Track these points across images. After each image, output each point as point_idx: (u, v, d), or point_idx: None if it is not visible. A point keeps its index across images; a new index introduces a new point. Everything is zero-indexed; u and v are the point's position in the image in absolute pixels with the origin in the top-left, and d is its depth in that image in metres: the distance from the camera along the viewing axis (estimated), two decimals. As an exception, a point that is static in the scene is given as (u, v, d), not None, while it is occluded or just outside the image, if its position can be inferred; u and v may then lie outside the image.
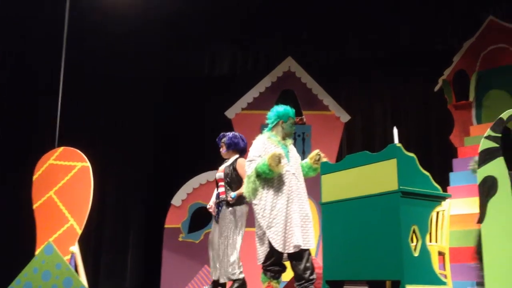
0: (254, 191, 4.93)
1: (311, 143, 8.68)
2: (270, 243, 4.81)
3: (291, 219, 4.84)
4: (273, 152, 4.83)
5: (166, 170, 9.67)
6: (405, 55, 8.99)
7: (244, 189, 5.01)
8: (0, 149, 7.77)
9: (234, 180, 5.61)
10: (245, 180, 5.03)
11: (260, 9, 8.77)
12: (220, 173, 5.76)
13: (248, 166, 4.99)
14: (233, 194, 5.49)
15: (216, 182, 5.84)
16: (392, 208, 3.63)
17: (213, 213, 5.79)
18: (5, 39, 7.85)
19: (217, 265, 5.60)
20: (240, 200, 5.50)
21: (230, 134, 5.91)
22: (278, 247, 4.77)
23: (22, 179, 6.88)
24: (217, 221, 5.70)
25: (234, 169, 5.64)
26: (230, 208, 5.54)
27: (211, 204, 5.87)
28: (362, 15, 8.92)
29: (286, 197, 4.90)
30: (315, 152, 5.16)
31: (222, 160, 5.98)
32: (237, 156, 5.79)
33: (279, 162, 4.79)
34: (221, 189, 5.70)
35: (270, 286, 4.89)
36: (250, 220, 5.45)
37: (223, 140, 5.87)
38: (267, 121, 5.20)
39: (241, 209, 5.56)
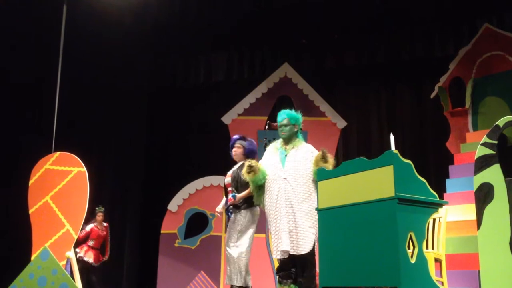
0: (257, 197, 5.22)
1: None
2: None
3: (279, 225, 4.89)
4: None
5: (162, 175, 9.67)
6: (401, 62, 9.01)
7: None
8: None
9: (242, 183, 5.46)
10: None
11: (257, 14, 8.79)
12: (228, 177, 5.72)
13: None
14: (232, 194, 5.45)
15: (225, 188, 5.80)
16: (388, 215, 3.62)
17: (219, 215, 5.86)
18: (1, 42, 7.84)
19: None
20: (248, 203, 5.45)
21: (251, 143, 5.81)
22: (272, 252, 4.84)
23: (18, 184, 6.86)
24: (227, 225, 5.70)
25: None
26: (239, 212, 5.46)
27: (219, 209, 5.83)
28: (359, 21, 8.96)
29: (274, 203, 4.97)
30: (319, 153, 5.01)
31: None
32: (244, 160, 5.66)
33: (250, 171, 5.06)
34: (231, 195, 5.63)
35: None
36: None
37: (241, 142, 5.76)
38: None
39: (248, 212, 5.47)
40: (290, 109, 5.38)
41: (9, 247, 7.46)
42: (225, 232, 5.85)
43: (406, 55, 8.89)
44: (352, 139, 9.37)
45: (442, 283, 4.94)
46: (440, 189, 6.72)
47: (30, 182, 6.39)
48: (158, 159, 9.85)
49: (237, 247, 5.33)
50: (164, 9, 8.44)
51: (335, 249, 4.01)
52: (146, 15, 8.50)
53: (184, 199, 8.84)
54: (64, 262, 5.74)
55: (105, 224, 8.26)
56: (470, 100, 7.74)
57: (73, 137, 7.96)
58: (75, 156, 6.33)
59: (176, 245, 8.69)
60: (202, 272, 8.52)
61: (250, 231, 5.44)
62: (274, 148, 5.24)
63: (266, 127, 8.12)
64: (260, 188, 5.15)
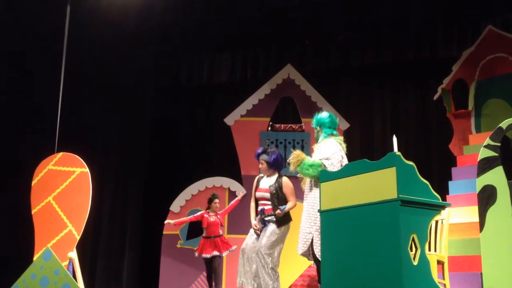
0: None
1: (310, 150, 8.67)
2: None
3: None
4: None
5: (164, 176, 9.67)
6: (404, 63, 9.00)
7: None
8: (0, 154, 7.77)
9: (280, 198, 5.76)
10: None
11: (260, 15, 8.79)
12: (264, 193, 5.85)
13: None
14: (282, 206, 5.63)
15: (256, 200, 5.96)
16: (391, 217, 3.62)
17: (258, 232, 5.84)
18: (5, 43, 7.86)
19: (245, 275, 5.75)
20: (286, 217, 5.71)
21: (273, 152, 6.01)
22: None
23: (21, 184, 6.87)
24: (258, 234, 5.81)
25: (280, 188, 5.78)
26: (280, 223, 5.67)
27: (254, 223, 5.93)
28: (361, 22, 8.95)
29: None
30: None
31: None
32: (277, 174, 5.94)
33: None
34: (267, 207, 5.80)
35: None
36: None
37: (264, 158, 5.97)
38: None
39: (286, 225, 5.71)
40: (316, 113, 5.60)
41: (12, 247, 7.47)
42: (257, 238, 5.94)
43: (409, 56, 8.87)
44: (355, 141, 9.34)
45: (445, 285, 4.94)
46: (443, 191, 6.70)
47: (33, 182, 6.41)
48: (160, 159, 9.84)
49: (273, 258, 5.54)
50: (168, 8, 8.45)
51: (337, 250, 4.01)
52: (150, 15, 8.49)
53: (186, 200, 8.82)
54: (66, 263, 5.75)
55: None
56: (473, 102, 7.73)
57: (76, 137, 7.96)
58: (78, 157, 6.34)
59: (178, 246, 8.68)
60: (204, 273, 8.51)
61: (282, 244, 5.69)
62: None
63: (269, 128, 8.14)
64: None
